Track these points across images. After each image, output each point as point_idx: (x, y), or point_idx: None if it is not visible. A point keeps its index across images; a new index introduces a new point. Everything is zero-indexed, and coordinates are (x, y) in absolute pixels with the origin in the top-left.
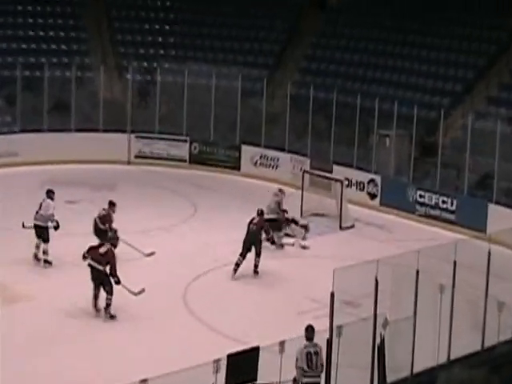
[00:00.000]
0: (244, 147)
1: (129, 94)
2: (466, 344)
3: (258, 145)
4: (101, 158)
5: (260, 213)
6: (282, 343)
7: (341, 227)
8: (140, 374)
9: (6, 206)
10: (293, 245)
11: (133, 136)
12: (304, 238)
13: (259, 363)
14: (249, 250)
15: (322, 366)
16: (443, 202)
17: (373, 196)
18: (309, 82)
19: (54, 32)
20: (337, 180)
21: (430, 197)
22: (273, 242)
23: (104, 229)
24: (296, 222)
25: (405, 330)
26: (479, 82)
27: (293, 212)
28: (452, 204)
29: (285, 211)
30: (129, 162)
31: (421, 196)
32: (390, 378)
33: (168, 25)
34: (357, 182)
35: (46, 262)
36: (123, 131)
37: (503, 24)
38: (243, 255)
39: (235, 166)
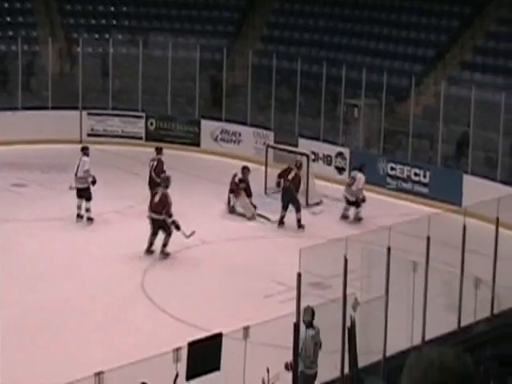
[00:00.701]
0: (204, 122)
1: (79, 69)
2: (441, 324)
3: (218, 119)
4: (50, 137)
5: (299, 165)
6: (246, 329)
7: (307, 204)
8: (96, 365)
9: None
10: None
11: (84, 113)
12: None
13: (222, 351)
14: (286, 206)
15: None
16: (416, 174)
17: (341, 170)
18: (271, 51)
19: None
20: (302, 154)
21: (402, 169)
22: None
23: (159, 181)
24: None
25: (376, 311)
26: (452, 46)
27: (258, 189)
28: (425, 176)
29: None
30: (81, 141)
31: (392, 169)
32: (361, 361)
33: None
34: (324, 156)
35: (89, 219)
36: (74, 108)
37: None
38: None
39: (194, 141)
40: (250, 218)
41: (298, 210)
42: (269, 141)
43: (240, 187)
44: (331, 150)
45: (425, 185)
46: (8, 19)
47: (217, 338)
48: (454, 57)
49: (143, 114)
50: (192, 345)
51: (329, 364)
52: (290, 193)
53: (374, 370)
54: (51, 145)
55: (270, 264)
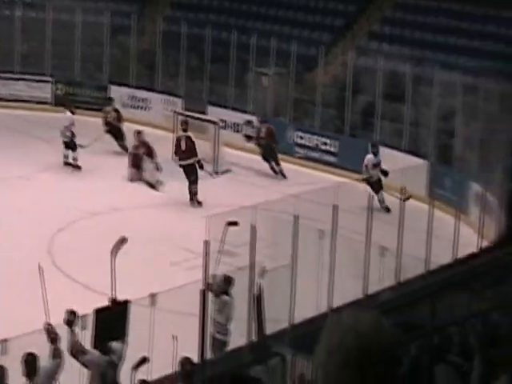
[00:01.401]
0: (112, 87)
1: None
2: (347, 292)
3: (127, 85)
4: None
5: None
6: (152, 296)
7: (216, 172)
8: (0, 334)
9: None
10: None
11: None
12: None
13: (129, 318)
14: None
15: None
16: (324, 143)
17: (250, 138)
18: (181, 18)
19: None
20: (211, 122)
21: (310, 138)
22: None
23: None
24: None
25: (283, 279)
26: (360, 16)
27: (166, 155)
28: (333, 145)
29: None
30: None
31: (300, 137)
32: (268, 329)
33: None
34: (233, 124)
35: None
36: None
37: None
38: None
39: (103, 107)
40: (156, 186)
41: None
42: (178, 108)
43: (140, 157)
44: (240, 117)
45: (333, 154)
46: None
47: (123, 306)
48: (362, 27)
49: (51, 79)
50: (98, 312)
51: (236, 332)
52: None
53: (280, 337)
54: None
55: (178, 232)
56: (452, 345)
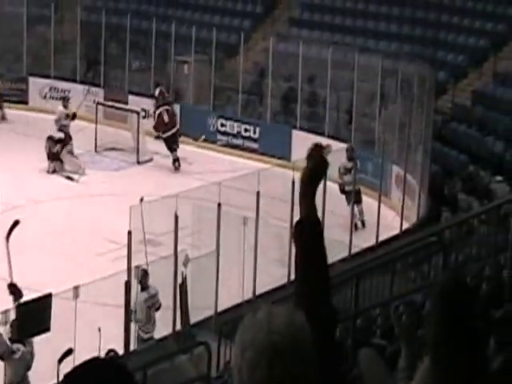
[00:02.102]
0: (32, 79)
1: None
2: (271, 278)
3: (47, 76)
4: None
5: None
6: (76, 288)
7: (138, 161)
8: None
9: None
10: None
11: None
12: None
13: (52, 311)
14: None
15: None
16: (246, 130)
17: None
18: (100, 7)
19: None
20: (132, 111)
21: (232, 125)
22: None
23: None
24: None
25: (207, 267)
26: (280, 2)
27: (88, 147)
28: (255, 132)
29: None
30: None
31: (222, 125)
32: (193, 317)
33: None
34: (154, 113)
35: None
36: None
37: None
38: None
39: (23, 99)
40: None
41: None
42: (99, 98)
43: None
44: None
45: (255, 140)
46: None
47: (46, 299)
48: (281, 13)
49: None
50: (21, 306)
51: (161, 321)
52: None
53: (206, 325)
54: None
55: (102, 222)
56: (376, 327)
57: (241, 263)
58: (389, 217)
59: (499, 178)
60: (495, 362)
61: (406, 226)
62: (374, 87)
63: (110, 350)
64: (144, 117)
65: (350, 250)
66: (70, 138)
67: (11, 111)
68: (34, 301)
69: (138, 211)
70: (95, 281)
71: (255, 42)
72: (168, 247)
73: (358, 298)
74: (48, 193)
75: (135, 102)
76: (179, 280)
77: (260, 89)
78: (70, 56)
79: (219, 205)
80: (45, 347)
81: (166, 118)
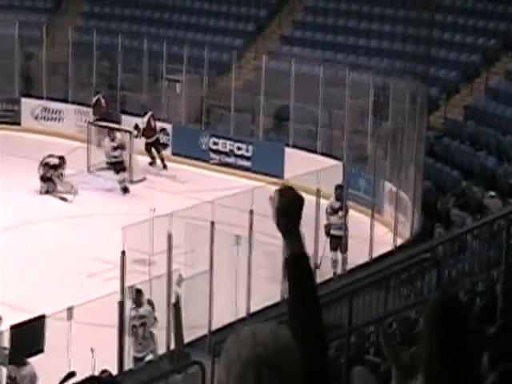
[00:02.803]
0: (24, 100)
1: None
2: (265, 296)
3: (39, 97)
4: None
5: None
6: (70, 309)
7: (131, 181)
8: None
9: None
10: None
11: None
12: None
13: (46, 332)
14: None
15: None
16: (238, 148)
17: (164, 146)
18: (92, 27)
19: None
20: (125, 131)
21: (225, 143)
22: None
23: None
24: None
25: (201, 286)
26: (272, 20)
27: (81, 167)
28: (248, 150)
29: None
30: None
31: (215, 143)
32: (187, 337)
33: None
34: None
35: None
36: None
37: None
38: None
39: (15, 120)
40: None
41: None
42: (90, 118)
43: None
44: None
45: (247, 158)
46: None
47: (40, 320)
48: (273, 31)
49: None
50: (14, 328)
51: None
52: None
53: (199, 344)
54: None
55: (94, 242)
56: (369, 344)
57: (234, 282)
58: (382, 233)
59: (492, 193)
60: (489, 378)
61: (399, 242)
62: (365, 104)
63: (104, 371)
64: (136, 136)
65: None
66: (65, 163)
67: (4, 132)
68: (27, 322)
69: (131, 230)
70: (89, 301)
71: (247, 61)
72: (161, 266)
73: (351, 315)
74: (40, 213)
75: (128, 121)
76: (173, 299)
77: (252, 107)
78: (61, 77)
79: (212, 223)
80: (39, 368)
81: (153, 123)
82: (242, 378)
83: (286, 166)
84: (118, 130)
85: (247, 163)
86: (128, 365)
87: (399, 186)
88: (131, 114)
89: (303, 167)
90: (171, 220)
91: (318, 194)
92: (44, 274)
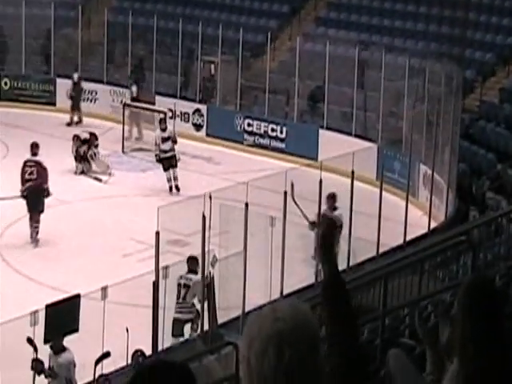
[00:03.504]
0: (59, 80)
1: None
2: (299, 278)
3: None
4: None
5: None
6: (104, 289)
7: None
8: None
9: None
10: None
11: None
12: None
13: (81, 312)
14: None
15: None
16: (272, 130)
17: (198, 127)
18: (127, 8)
19: None
20: (160, 112)
21: (259, 125)
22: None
23: None
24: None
25: (235, 267)
26: (307, 2)
27: (116, 147)
28: (282, 132)
29: None
30: None
31: (249, 125)
32: (221, 318)
33: None
34: (181, 113)
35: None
36: None
37: None
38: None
39: (50, 101)
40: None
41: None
42: (125, 99)
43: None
44: (188, 106)
45: (282, 140)
46: None
47: (74, 300)
48: (308, 13)
49: None
50: (49, 307)
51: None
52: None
53: (233, 325)
54: None
55: (129, 223)
56: (404, 327)
57: (268, 263)
58: (416, 216)
59: None
60: None
61: (433, 225)
62: (401, 86)
63: (137, 351)
64: (171, 117)
65: (377, 249)
66: (96, 139)
67: (39, 112)
68: (62, 301)
69: (166, 211)
70: (123, 281)
71: (282, 42)
72: (195, 247)
73: (386, 298)
74: (76, 194)
75: (162, 103)
76: (207, 280)
77: (287, 88)
78: (96, 57)
79: (246, 205)
80: (73, 347)
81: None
82: (263, 354)
83: (320, 148)
84: (152, 110)
85: (281, 145)
86: (162, 345)
87: (434, 169)
88: (165, 94)
89: (337, 149)
90: (205, 201)
91: (352, 175)
92: (79, 255)
